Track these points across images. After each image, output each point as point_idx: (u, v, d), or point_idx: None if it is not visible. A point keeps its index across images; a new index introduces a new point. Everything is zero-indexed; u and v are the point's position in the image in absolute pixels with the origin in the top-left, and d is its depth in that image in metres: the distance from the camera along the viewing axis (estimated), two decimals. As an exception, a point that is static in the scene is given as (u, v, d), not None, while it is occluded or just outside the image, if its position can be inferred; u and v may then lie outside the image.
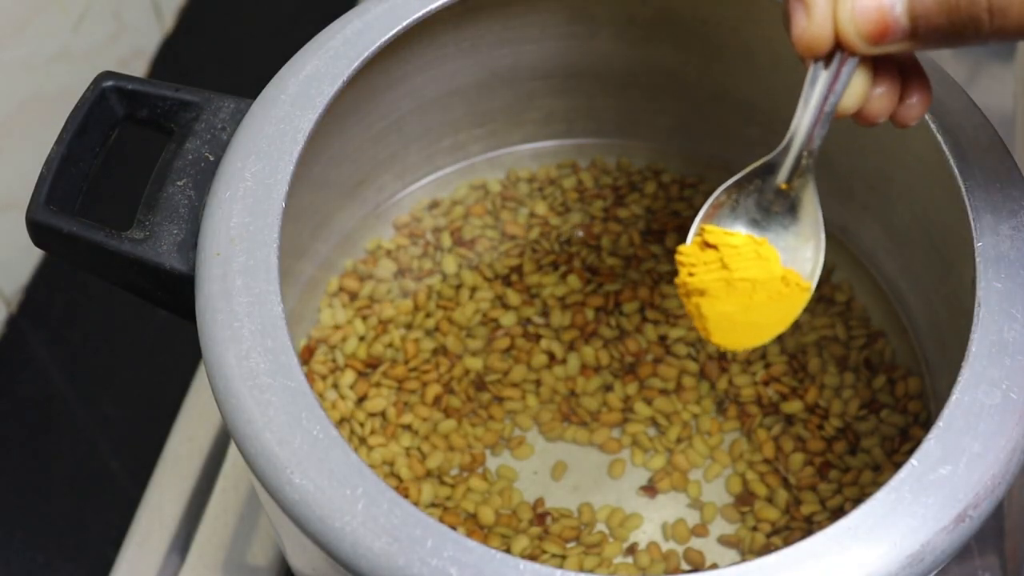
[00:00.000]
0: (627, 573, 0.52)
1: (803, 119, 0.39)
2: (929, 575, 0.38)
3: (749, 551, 0.52)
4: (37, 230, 0.45)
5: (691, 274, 0.41)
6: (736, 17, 0.54)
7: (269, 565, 0.58)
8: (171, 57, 0.78)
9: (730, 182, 0.42)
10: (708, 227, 0.42)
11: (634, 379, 0.57)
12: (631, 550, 0.53)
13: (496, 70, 0.58)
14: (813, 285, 0.42)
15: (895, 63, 0.38)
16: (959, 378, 0.40)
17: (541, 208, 0.62)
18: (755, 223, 0.42)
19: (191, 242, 0.44)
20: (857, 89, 0.38)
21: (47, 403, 0.65)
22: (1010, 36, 0.35)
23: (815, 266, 0.42)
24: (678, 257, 0.42)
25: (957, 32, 0.35)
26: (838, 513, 0.52)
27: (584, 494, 0.54)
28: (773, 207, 0.42)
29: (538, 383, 0.57)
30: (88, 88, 0.47)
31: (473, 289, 0.59)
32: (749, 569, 0.37)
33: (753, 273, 0.41)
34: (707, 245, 0.42)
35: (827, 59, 0.37)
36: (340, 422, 0.55)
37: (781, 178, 0.41)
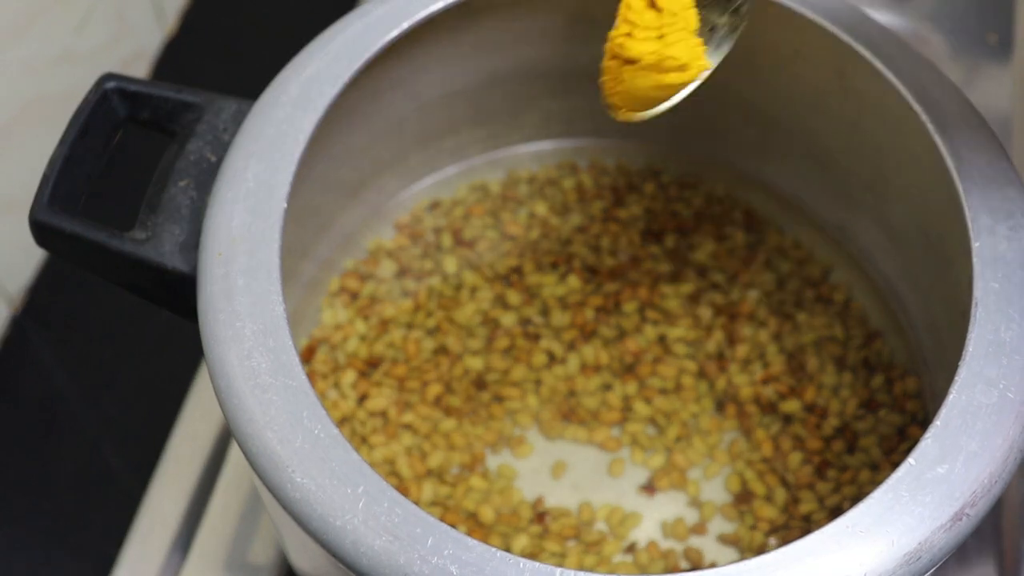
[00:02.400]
0: (626, 571, 0.52)
1: None
2: (926, 573, 0.38)
3: (748, 549, 0.52)
4: (40, 230, 0.45)
5: (629, 34, 0.41)
6: (735, 18, 0.54)
7: (270, 564, 0.58)
8: (173, 58, 0.79)
9: None
10: None
11: (634, 379, 0.57)
12: (630, 549, 0.53)
13: (496, 71, 0.58)
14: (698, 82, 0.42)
15: None
16: (956, 377, 0.40)
17: (541, 208, 0.62)
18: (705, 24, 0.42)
19: (193, 242, 0.44)
20: None
21: (50, 402, 0.65)
22: None
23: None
24: (622, 9, 0.41)
25: None
26: (836, 512, 0.52)
27: (584, 493, 0.55)
28: (720, 22, 0.42)
29: (538, 382, 0.57)
30: (90, 90, 0.47)
31: (473, 289, 0.60)
32: (748, 567, 0.37)
33: (682, 55, 0.41)
34: (652, 6, 0.41)
35: None
36: (341, 421, 0.55)
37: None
